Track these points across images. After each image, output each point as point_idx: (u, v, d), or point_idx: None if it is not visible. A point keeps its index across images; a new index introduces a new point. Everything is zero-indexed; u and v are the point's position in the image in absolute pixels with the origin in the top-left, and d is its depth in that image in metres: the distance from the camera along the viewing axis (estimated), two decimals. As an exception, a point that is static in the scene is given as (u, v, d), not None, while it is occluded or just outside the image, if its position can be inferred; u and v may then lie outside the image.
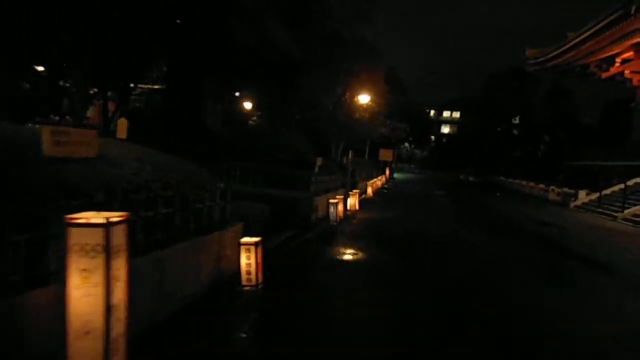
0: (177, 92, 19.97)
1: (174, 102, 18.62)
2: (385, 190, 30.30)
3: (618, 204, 23.53)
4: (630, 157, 33.01)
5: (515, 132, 73.28)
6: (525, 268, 8.73)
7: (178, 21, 17.87)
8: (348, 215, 14.63)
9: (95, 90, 26.74)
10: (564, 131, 63.06)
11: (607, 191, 26.70)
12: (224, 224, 6.30)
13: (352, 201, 15.76)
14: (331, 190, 14.88)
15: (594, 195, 27.04)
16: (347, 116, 25.43)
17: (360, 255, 8.62)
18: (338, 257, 8.36)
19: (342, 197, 13.88)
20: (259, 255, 6.08)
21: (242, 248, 6.02)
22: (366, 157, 37.00)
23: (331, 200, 12.34)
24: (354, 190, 16.90)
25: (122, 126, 11.27)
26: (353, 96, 26.37)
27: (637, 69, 41.18)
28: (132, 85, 24.43)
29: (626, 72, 41.79)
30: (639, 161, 29.87)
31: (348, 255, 8.55)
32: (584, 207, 26.09)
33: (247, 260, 6.01)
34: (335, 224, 12.18)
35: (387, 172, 44.60)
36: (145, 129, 18.60)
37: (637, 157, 31.44)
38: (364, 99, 27.32)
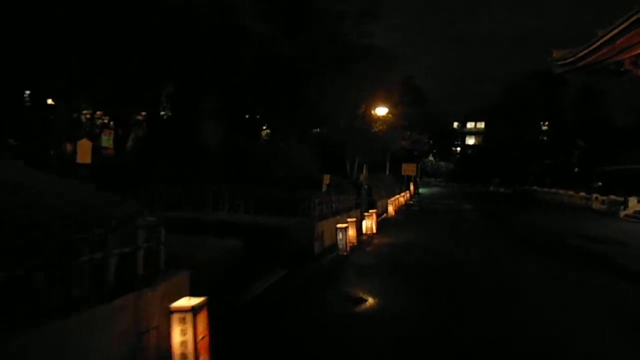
0: (176, 114, 18.39)
1: (169, 124, 16.95)
2: (409, 208, 27.82)
3: (679, 211, 20.48)
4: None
5: (544, 138, 69.55)
6: (613, 323, 6.17)
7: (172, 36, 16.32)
8: (363, 240, 12.35)
9: (102, 118, 25.57)
10: (598, 135, 59.22)
11: (662, 197, 23.58)
12: (151, 279, 4.17)
13: (369, 223, 13.47)
14: (342, 213, 12.65)
15: (647, 203, 23.95)
16: (362, 128, 23.31)
17: (374, 304, 6.28)
18: (341, 310, 6.04)
19: (354, 219, 11.64)
20: (201, 327, 3.92)
21: (174, 317, 3.88)
22: (387, 172, 34.63)
23: (339, 225, 10.11)
24: (371, 211, 14.62)
25: (83, 149, 9.39)
26: (369, 107, 24.33)
27: (680, 62, 37.92)
28: (127, 108, 23.06)
29: (667, 66, 38.52)
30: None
31: (357, 306, 6.19)
32: (636, 216, 22.99)
33: (182, 337, 3.86)
34: (344, 254, 9.93)
35: (412, 187, 42.04)
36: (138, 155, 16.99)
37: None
38: (381, 111, 25.31)
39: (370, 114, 24.69)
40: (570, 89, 66.57)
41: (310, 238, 9.13)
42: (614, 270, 9.62)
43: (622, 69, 43.10)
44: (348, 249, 10.17)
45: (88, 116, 24.51)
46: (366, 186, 15.90)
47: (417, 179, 49.89)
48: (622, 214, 24.09)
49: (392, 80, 25.07)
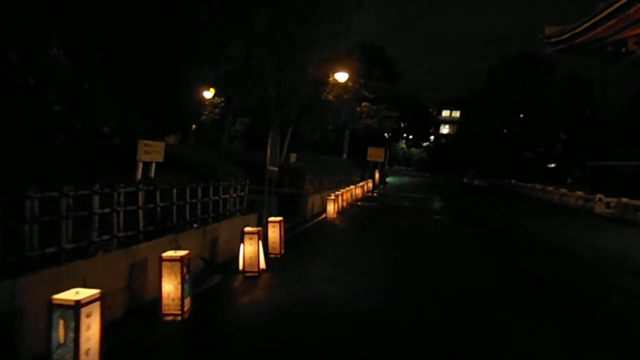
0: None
1: None
2: (367, 202, 21.19)
3: None
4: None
5: (524, 129, 64.05)
6: None
7: None
8: (217, 306, 5.52)
9: None
10: (583, 128, 54.13)
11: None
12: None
13: (249, 251, 6.53)
14: (179, 232, 5.76)
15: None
16: (303, 91, 16.31)
17: None
18: None
19: (181, 255, 4.76)
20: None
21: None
22: (345, 155, 27.83)
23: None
24: (274, 219, 7.76)
25: None
26: (319, 65, 17.35)
27: (695, 42, 32.48)
28: None
29: (680, 48, 33.02)
30: None
31: None
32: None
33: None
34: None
35: (377, 175, 35.50)
36: None
37: None
38: (340, 76, 18.66)
39: (321, 74, 17.80)
40: (557, 77, 61.26)
41: None
42: None
43: (623, 50, 37.47)
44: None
45: None
46: (274, 168, 8.87)
47: (386, 167, 43.44)
48: (645, 223, 18.16)
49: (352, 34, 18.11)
